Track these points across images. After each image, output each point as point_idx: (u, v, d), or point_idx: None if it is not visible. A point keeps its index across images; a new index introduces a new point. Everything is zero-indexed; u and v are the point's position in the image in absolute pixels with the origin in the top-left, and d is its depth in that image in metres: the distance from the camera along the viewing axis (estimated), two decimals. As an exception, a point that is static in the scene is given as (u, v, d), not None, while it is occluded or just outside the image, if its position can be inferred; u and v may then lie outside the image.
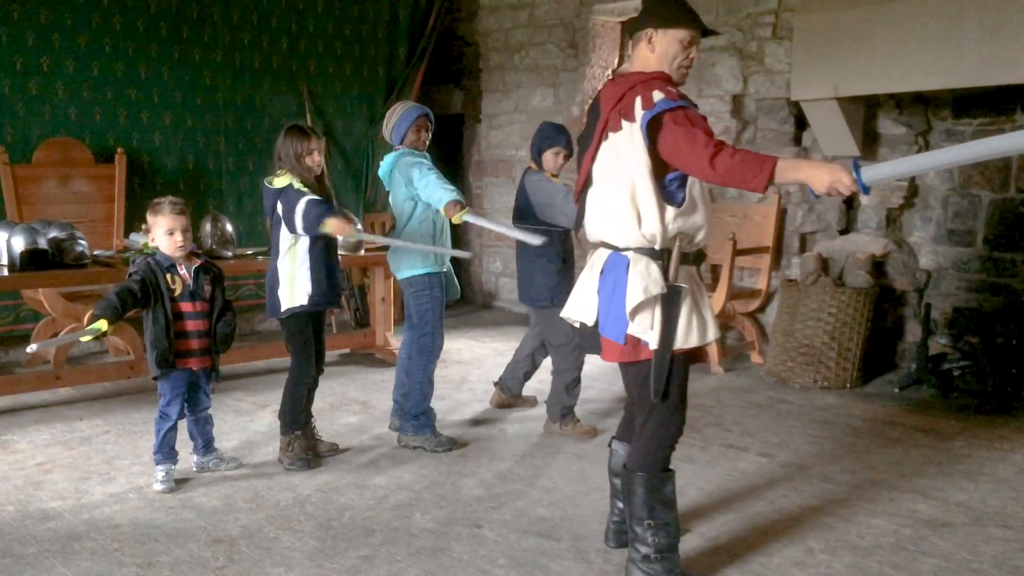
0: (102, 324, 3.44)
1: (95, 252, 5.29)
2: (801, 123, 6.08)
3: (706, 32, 2.78)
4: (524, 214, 4.41)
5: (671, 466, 2.88)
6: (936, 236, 5.85)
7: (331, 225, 3.75)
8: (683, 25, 2.71)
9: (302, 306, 3.92)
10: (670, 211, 2.66)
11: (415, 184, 4.13)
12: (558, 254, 4.42)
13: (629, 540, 2.89)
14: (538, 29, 7.98)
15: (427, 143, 4.35)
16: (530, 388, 5.27)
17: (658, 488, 2.81)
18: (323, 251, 3.94)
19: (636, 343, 2.73)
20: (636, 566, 2.83)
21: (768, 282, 6.24)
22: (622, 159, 2.67)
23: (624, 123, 2.65)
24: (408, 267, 4.28)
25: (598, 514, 3.46)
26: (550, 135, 4.41)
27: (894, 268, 5.90)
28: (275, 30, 7.14)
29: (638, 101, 2.61)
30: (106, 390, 5.34)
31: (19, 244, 4.74)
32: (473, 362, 6.23)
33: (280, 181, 3.87)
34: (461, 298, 8.90)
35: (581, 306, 2.88)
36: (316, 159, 3.92)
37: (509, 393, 5.03)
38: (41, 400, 5.08)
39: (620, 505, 3.16)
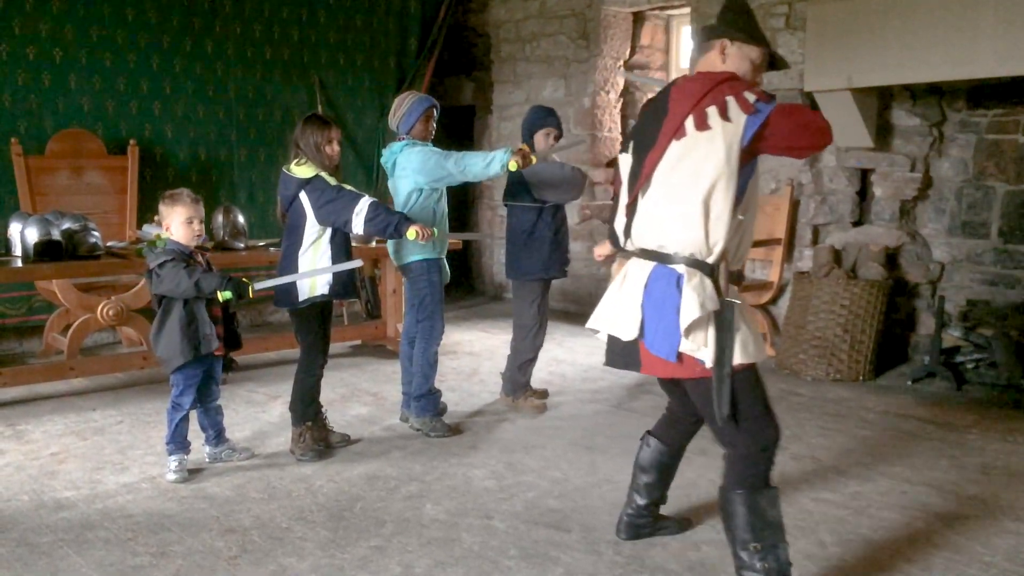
0: (237, 291, 3.63)
1: (108, 243, 5.31)
2: (814, 114, 6.04)
3: (773, 63, 2.74)
4: (515, 191, 4.60)
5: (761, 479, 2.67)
6: (950, 228, 5.81)
7: (415, 231, 3.78)
8: (758, 43, 2.66)
9: (323, 295, 3.93)
10: (736, 217, 2.58)
11: (447, 169, 4.16)
12: (550, 228, 4.64)
13: (735, 568, 2.67)
14: (549, 20, 7.95)
15: (433, 133, 4.38)
16: (539, 380, 5.27)
17: (761, 506, 2.62)
18: (342, 242, 3.95)
19: (688, 358, 2.58)
20: None
21: (780, 274, 6.22)
22: (704, 158, 2.51)
23: (715, 122, 2.50)
24: (406, 254, 4.33)
25: (608, 505, 3.46)
26: (543, 117, 4.64)
27: (907, 260, 5.87)
28: (286, 21, 7.15)
29: (732, 101, 2.51)
30: (119, 380, 5.37)
31: (33, 235, 4.77)
32: (484, 354, 6.23)
33: (304, 171, 3.86)
34: (471, 290, 8.96)
35: (618, 321, 2.69)
36: (335, 148, 3.94)
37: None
38: (55, 390, 5.12)
39: (638, 500, 3.15)
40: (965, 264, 5.74)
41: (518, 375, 4.81)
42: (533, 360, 4.81)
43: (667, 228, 2.60)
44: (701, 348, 2.55)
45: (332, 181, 3.86)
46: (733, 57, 2.65)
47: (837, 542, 3.21)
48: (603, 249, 3.30)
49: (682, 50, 7.76)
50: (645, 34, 7.76)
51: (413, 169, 4.21)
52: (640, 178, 2.67)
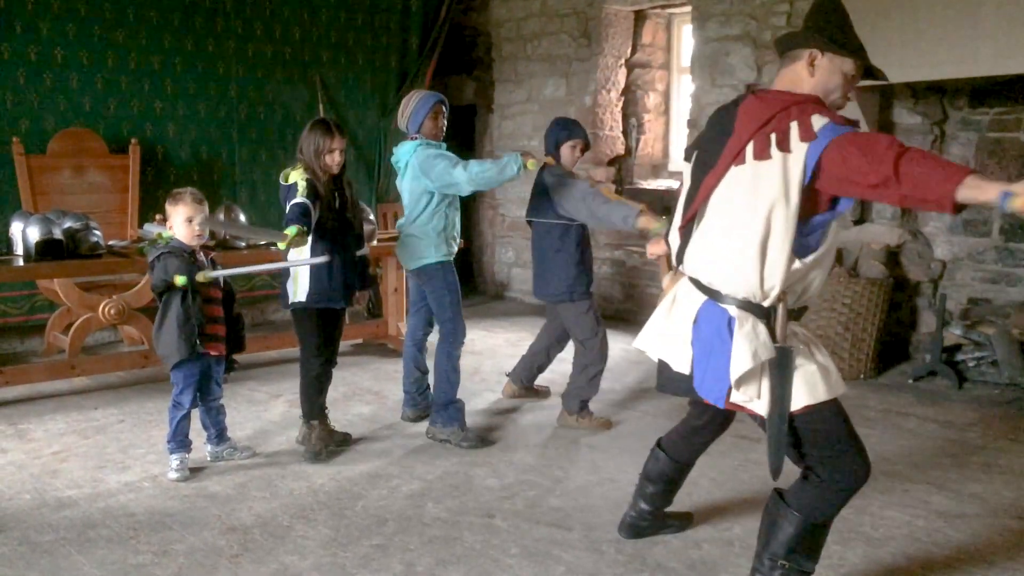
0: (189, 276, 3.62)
1: (109, 242, 5.32)
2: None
3: (868, 72, 2.40)
4: (541, 207, 4.40)
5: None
6: (951, 226, 5.80)
7: (289, 234, 3.63)
8: (854, 55, 2.34)
9: (301, 302, 3.94)
10: (796, 264, 2.30)
11: (454, 177, 4.05)
12: (576, 247, 4.41)
13: (751, 568, 2.63)
14: (551, 19, 7.95)
15: (444, 130, 4.33)
16: (542, 379, 5.26)
17: (812, 535, 2.51)
18: (328, 248, 3.88)
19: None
20: None
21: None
22: (760, 193, 2.25)
23: (776, 153, 2.23)
24: (418, 258, 4.28)
25: (610, 504, 3.46)
26: (568, 128, 4.44)
27: (909, 258, 5.87)
28: (287, 20, 7.14)
29: (794, 127, 2.22)
30: (121, 379, 5.38)
31: (34, 234, 4.77)
32: (486, 352, 6.23)
33: (291, 176, 3.86)
34: (473, 289, 8.95)
35: (669, 350, 2.55)
36: (336, 159, 3.87)
37: (521, 384, 5.04)
38: (57, 389, 5.12)
39: (643, 505, 3.15)
40: (966, 262, 5.74)
41: (587, 389, 4.53)
42: (601, 372, 4.54)
43: (719, 265, 2.39)
44: (754, 400, 2.39)
45: (301, 189, 3.74)
46: (823, 70, 2.34)
47: (838, 540, 3.21)
48: (657, 248, 3.01)
49: (683, 49, 7.75)
50: (646, 32, 7.76)
51: (423, 171, 4.16)
52: (695, 201, 2.43)
